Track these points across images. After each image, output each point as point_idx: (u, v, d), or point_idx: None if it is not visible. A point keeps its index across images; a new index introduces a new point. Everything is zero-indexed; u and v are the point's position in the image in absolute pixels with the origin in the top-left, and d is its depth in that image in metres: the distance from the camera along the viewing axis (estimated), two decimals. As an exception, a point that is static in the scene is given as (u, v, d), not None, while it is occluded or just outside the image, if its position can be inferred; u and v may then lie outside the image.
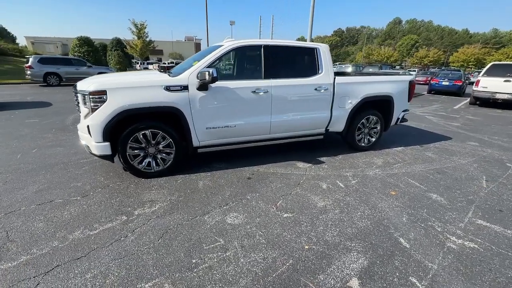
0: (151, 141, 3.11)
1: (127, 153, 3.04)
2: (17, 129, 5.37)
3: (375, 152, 4.44)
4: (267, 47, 3.48)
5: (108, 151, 2.96)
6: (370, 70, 16.54)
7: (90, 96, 2.82)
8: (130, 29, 23.79)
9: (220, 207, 2.64)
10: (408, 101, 4.67)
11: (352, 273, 1.85)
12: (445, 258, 2.03)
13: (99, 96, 2.82)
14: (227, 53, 3.36)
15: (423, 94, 14.96)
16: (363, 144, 4.47)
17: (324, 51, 3.84)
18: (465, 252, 2.09)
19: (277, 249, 2.07)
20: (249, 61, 3.83)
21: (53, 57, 14.92)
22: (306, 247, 2.11)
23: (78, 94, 2.96)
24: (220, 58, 3.33)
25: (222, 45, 3.39)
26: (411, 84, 4.52)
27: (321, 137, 4.19)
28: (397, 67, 48.56)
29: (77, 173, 3.34)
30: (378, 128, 4.48)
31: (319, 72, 3.79)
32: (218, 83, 3.22)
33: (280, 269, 1.86)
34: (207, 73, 2.95)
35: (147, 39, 24.76)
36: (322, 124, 4.00)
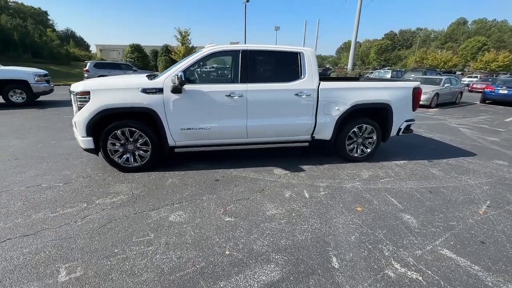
0: (129, 138, 3.39)
1: (107, 148, 3.37)
2: (54, 123, 6.32)
3: (369, 164, 4.09)
4: (245, 52, 3.51)
5: (91, 145, 3.32)
6: (412, 76, 15.10)
7: (77, 96, 3.21)
8: (175, 36, 25.92)
9: (171, 205, 2.76)
10: (413, 110, 4.19)
11: (256, 285, 1.78)
12: (372, 285, 1.80)
13: (84, 96, 3.20)
14: (205, 57, 3.49)
15: (475, 103, 13.06)
16: (356, 155, 4.15)
17: (308, 55, 3.71)
18: (400, 283, 1.83)
19: (197, 250, 2.09)
20: (227, 66, 3.91)
21: (105, 62, 17.07)
22: (227, 252, 2.08)
23: (71, 94, 3.39)
24: (197, 63, 3.48)
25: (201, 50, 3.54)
26: (416, 92, 4.05)
27: (307, 144, 4.03)
28: (458, 72, 43.06)
29: (73, 163, 3.81)
30: (374, 138, 4.12)
31: (302, 77, 3.67)
32: (193, 86, 3.37)
33: (187, 270, 1.89)
34: (176, 76, 3.12)
35: (190, 45, 26.57)
36: (305, 131, 3.84)
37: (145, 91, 3.26)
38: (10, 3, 51.17)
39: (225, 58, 3.87)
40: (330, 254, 2.10)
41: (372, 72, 19.91)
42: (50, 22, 59.78)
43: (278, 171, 3.73)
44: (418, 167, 4.03)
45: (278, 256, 2.05)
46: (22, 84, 8.29)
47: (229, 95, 3.44)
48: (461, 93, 12.53)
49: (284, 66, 3.75)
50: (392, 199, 3.02)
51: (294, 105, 3.67)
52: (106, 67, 16.04)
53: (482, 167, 4.15)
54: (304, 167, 3.91)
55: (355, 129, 4.00)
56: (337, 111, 3.81)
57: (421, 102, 10.41)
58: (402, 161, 4.27)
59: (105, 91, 3.23)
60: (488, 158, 4.60)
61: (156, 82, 3.31)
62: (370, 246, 2.20)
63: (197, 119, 3.45)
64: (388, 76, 16.29)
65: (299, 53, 3.70)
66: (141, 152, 3.50)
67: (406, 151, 4.81)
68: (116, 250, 2.06)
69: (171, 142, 3.52)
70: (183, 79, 3.12)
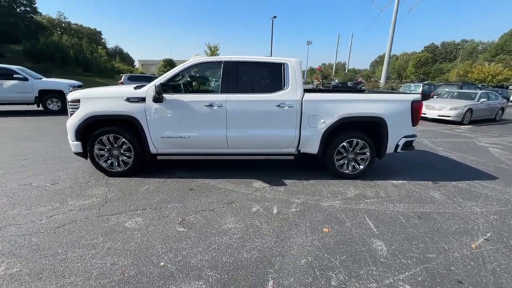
0: (114, 144, 3.56)
1: (94, 153, 3.57)
2: (75, 129, 6.92)
3: (360, 182, 3.76)
4: (227, 63, 3.54)
5: (80, 149, 3.55)
6: (446, 89, 13.92)
7: (69, 103, 3.49)
8: (205, 51, 27.33)
9: (134, 210, 2.79)
10: (414, 125, 3.80)
11: (172, 301, 1.68)
12: (299, 318, 1.59)
13: (75, 104, 3.46)
14: (187, 68, 3.59)
15: (521, 121, 11.49)
16: (346, 171, 3.85)
17: (293, 66, 3.61)
18: (334, 319, 1.59)
19: (134, 258, 2.06)
20: (209, 76, 3.96)
21: (138, 75, 18.55)
22: (162, 264, 2.02)
23: (67, 102, 3.70)
24: (180, 74, 3.59)
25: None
26: (415, 105, 3.69)
27: (292, 157, 3.85)
28: (511, 87, 38.59)
29: (70, 165, 4.10)
30: (368, 154, 3.80)
31: (285, 88, 3.57)
32: (173, 96, 3.46)
33: (113, 278, 1.86)
34: (154, 86, 3.24)
35: (219, 60, 27.77)
36: (289, 143, 3.69)
37: (128, 99, 3.43)
38: (72, 25, 59.02)
39: (209, 69, 3.95)
40: (268, 277, 1.92)
41: (401, 86, 18.75)
42: (103, 40, 67.18)
43: (257, 183, 3.60)
44: (417, 189, 3.60)
45: (212, 273, 1.93)
46: (58, 94, 9.32)
47: (209, 105, 3.46)
48: (503, 109, 11.13)
49: (266, 77, 3.70)
50: (369, 222, 2.71)
51: (276, 117, 3.56)
52: (139, 79, 17.37)
53: (499, 193, 3.56)
54: (288, 181, 3.73)
55: (344, 143, 3.73)
56: (323, 124, 3.60)
57: (451, 118, 9.51)
58: (400, 181, 3.86)
59: (93, 99, 3.46)
60: (511, 183, 3.96)
61: (140, 92, 3.46)
62: (318, 273, 1.97)
63: (176, 128, 3.52)
64: (419, 90, 15.19)
65: (283, 64, 3.62)
66: (125, 157, 3.64)
67: (410, 170, 4.35)
68: (59, 251, 2.12)
69: (152, 150, 3.61)
70: (160, 88, 3.24)
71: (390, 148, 3.81)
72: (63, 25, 55.92)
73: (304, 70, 62.60)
